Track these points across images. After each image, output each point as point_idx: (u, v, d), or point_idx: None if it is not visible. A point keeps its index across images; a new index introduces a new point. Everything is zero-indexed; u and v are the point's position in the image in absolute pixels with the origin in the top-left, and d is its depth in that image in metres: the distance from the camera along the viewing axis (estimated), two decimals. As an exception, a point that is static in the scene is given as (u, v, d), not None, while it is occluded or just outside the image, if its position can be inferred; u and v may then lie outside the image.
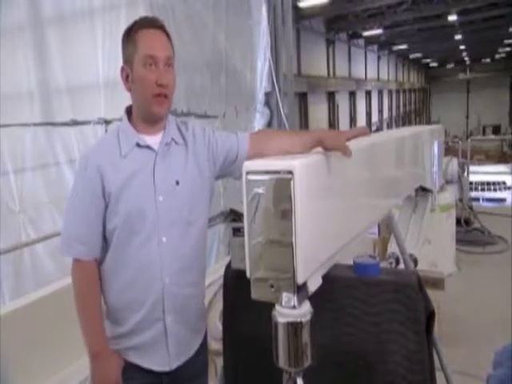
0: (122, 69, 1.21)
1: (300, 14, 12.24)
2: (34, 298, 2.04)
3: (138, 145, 1.20)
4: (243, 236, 0.77)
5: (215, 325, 2.51)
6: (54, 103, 3.74)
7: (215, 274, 3.27)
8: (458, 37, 19.54)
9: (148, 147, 1.20)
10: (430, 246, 2.51)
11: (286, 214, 0.71)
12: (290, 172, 0.70)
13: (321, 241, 0.79)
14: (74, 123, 3.55)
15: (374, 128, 21.52)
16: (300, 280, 0.71)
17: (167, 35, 1.23)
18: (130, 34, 1.19)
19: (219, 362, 1.93)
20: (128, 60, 1.19)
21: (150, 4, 3.82)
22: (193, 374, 1.27)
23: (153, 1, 3.90)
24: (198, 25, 4.36)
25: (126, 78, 1.20)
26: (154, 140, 1.21)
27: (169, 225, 1.17)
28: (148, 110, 1.20)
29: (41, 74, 3.75)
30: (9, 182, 3.60)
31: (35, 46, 3.77)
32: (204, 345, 1.33)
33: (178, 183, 1.19)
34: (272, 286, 0.73)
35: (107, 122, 3.27)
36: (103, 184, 1.16)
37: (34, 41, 3.78)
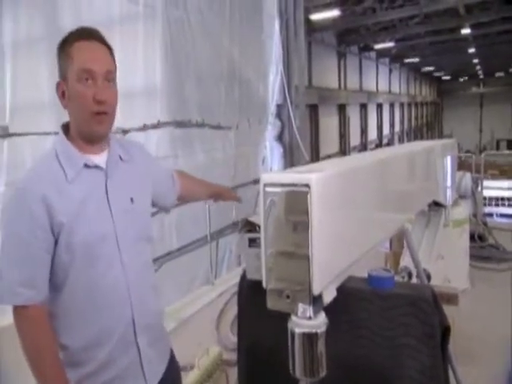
0: (58, 84, 1.12)
1: (311, 27, 12.36)
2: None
3: (86, 166, 1.11)
4: (259, 247, 0.78)
5: (226, 335, 2.50)
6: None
7: (226, 284, 3.29)
8: (472, 50, 19.48)
9: (97, 167, 1.13)
10: (444, 262, 2.48)
11: (303, 226, 0.72)
12: (307, 185, 0.71)
13: (336, 253, 0.80)
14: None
15: (385, 141, 21.45)
16: (316, 291, 0.72)
17: (108, 48, 1.15)
18: (64, 47, 1.11)
19: (230, 372, 1.93)
20: (63, 75, 1.11)
21: (167, 17, 3.91)
22: None
23: (170, 13, 3.99)
24: (213, 37, 4.44)
25: (62, 95, 1.11)
26: (100, 159, 1.14)
27: (128, 243, 1.13)
28: (87, 129, 1.11)
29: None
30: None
31: (53, 57, 3.86)
32: (171, 368, 1.26)
33: (132, 200, 1.16)
34: (288, 297, 0.74)
35: (125, 132, 3.32)
36: (51, 215, 1.04)
37: (52, 51, 3.87)
